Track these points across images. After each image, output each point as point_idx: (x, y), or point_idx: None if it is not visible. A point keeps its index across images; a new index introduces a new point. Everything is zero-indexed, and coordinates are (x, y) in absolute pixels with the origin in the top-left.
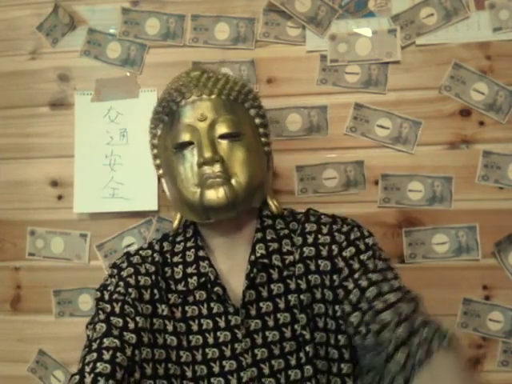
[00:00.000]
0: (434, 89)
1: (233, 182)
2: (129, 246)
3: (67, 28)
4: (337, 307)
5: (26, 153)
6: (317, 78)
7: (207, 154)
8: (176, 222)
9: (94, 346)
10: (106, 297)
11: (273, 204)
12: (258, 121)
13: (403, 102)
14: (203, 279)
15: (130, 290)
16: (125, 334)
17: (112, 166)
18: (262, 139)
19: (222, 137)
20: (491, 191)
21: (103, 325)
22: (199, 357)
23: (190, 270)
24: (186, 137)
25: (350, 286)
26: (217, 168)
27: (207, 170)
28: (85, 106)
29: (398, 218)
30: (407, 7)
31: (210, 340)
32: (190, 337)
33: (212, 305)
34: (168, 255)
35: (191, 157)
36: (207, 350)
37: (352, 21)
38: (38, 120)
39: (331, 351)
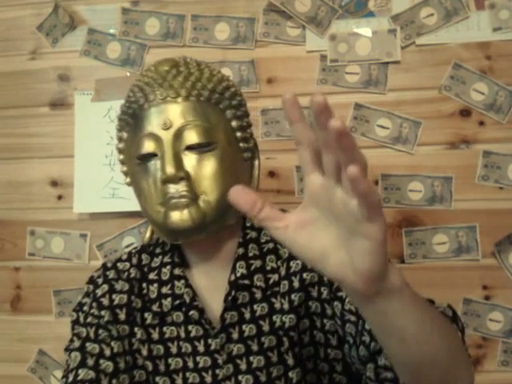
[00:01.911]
0: (433, 89)
1: (200, 202)
2: (129, 246)
3: (67, 28)
4: (325, 320)
5: (26, 153)
6: (317, 78)
7: (169, 171)
8: (148, 234)
9: (70, 378)
10: (81, 319)
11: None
12: (235, 124)
13: (403, 102)
14: (177, 302)
15: (102, 312)
16: (101, 362)
17: (112, 166)
18: (241, 145)
19: (190, 148)
20: (491, 191)
21: (77, 354)
22: (179, 381)
23: (164, 290)
24: (149, 147)
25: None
26: (181, 187)
27: (171, 188)
28: (85, 106)
29: (397, 218)
30: (407, 7)
31: (190, 364)
32: (170, 360)
33: (190, 327)
34: (146, 269)
35: (155, 171)
36: (187, 374)
37: (352, 21)
38: (38, 120)
39: (320, 364)
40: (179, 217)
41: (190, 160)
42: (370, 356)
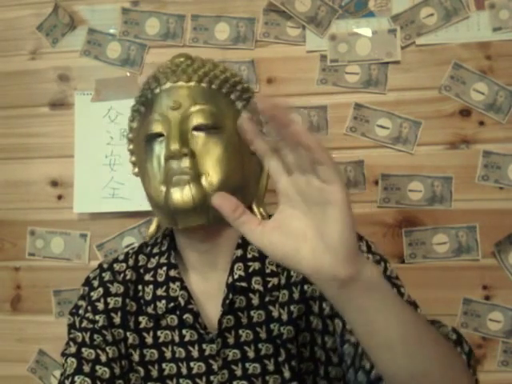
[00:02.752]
0: (433, 89)
1: (202, 180)
2: (129, 246)
3: (67, 28)
4: (326, 338)
5: (26, 153)
6: (317, 78)
7: (173, 146)
8: (153, 227)
9: None
10: (77, 323)
11: (258, 213)
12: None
13: (403, 101)
14: (172, 304)
15: (97, 317)
16: (97, 368)
17: (112, 166)
18: None
19: (197, 128)
20: (491, 191)
21: (74, 360)
22: None
23: (159, 292)
24: (157, 127)
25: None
26: (184, 163)
27: (174, 164)
28: (85, 106)
29: (397, 218)
30: (407, 7)
31: (184, 370)
32: (163, 365)
33: (184, 332)
34: (142, 270)
35: (160, 150)
36: (181, 380)
37: (352, 21)
38: (38, 120)
39: (320, 382)
40: (180, 196)
41: (196, 140)
42: (368, 383)
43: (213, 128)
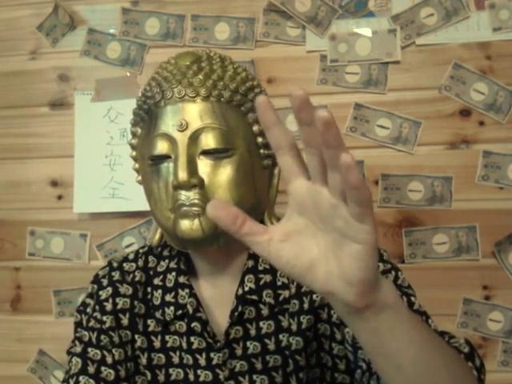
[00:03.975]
0: (433, 89)
1: None
2: (129, 246)
3: (67, 28)
4: (333, 344)
5: (26, 153)
6: (317, 78)
7: (182, 177)
8: (157, 237)
9: (71, 383)
10: (84, 322)
11: (270, 224)
12: (256, 128)
13: (403, 101)
14: (180, 312)
15: (104, 317)
16: (103, 369)
17: (112, 166)
18: (261, 151)
19: (206, 153)
20: (491, 191)
21: (79, 360)
22: None
23: (168, 298)
24: (162, 149)
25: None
26: (193, 194)
27: (182, 195)
28: (85, 106)
29: (397, 218)
30: (407, 7)
31: (191, 377)
32: (171, 370)
33: (192, 339)
34: (151, 273)
35: (167, 174)
36: None
37: (352, 21)
38: (38, 120)
39: None
40: (189, 226)
41: (204, 166)
42: None
43: (223, 151)
